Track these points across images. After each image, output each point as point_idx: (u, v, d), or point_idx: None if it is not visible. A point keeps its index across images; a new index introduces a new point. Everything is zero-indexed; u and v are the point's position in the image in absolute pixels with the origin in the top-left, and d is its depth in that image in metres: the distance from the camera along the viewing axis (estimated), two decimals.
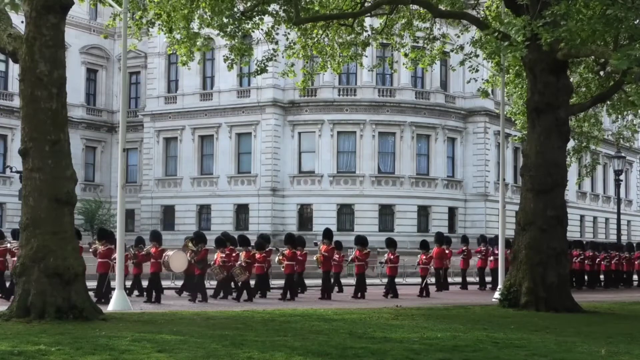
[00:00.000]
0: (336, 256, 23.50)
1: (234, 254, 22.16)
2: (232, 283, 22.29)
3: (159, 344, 10.74)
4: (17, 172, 36.17)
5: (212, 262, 22.15)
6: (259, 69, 22.55)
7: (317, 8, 22.49)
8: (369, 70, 38.19)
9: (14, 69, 45.44)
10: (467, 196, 50.85)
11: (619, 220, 42.45)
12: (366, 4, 22.93)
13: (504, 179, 24.80)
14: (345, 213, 48.67)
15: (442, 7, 21.91)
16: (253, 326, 13.56)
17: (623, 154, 44.00)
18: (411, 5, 22.79)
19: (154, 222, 51.47)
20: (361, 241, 23.94)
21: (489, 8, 24.30)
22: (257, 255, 22.13)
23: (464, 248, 29.10)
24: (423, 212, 49.43)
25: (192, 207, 51.21)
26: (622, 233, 48.30)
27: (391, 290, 23.67)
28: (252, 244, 22.82)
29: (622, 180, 45.95)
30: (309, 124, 49.09)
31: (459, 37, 28.61)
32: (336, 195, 48.17)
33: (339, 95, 49.04)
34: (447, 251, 27.49)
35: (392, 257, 23.94)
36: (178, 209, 51.73)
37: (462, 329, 13.60)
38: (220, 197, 50.12)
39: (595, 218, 63.05)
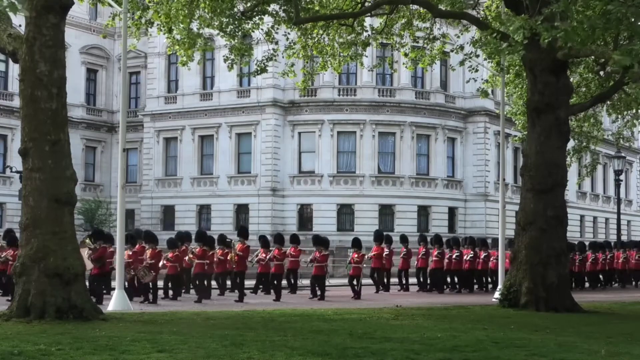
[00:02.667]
0: (263, 255, 22.59)
1: (150, 252, 21.05)
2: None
3: (159, 344, 10.73)
4: (17, 172, 36.15)
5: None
6: (259, 69, 22.57)
7: (317, 8, 22.50)
8: (369, 70, 38.24)
9: (14, 69, 45.44)
10: (467, 196, 50.84)
11: (619, 220, 42.43)
12: (366, 4, 22.92)
13: (504, 179, 24.78)
14: (345, 213, 48.66)
15: (442, 7, 21.91)
16: (253, 326, 13.56)
17: (623, 154, 43.98)
18: (411, 5, 22.79)
19: (154, 222, 51.50)
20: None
21: (489, 8, 24.32)
22: (170, 254, 21.41)
23: (404, 248, 27.52)
24: (423, 212, 49.42)
25: (192, 207, 51.21)
26: (622, 233, 48.25)
27: (312, 289, 22.67)
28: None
29: (622, 180, 45.91)
30: (309, 124, 49.08)
31: (459, 37, 28.62)
32: (336, 195, 48.16)
33: (339, 95, 49.02)
34: (387, 251, 26.37)
35: (318, 256, 22.63)
36: (178, 209, 51.73)
37: (462, 329, 13.59)
38: (220, 197, 50.12)
39: (595, 218, 63.03)
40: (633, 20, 15.53)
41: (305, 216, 49.00)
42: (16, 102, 38.83)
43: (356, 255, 23.67)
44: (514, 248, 20.09)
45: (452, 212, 50.62)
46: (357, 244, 24.11)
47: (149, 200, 52.83)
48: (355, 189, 48.39)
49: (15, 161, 42.89)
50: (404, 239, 27.90)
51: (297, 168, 49.34)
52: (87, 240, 20.49)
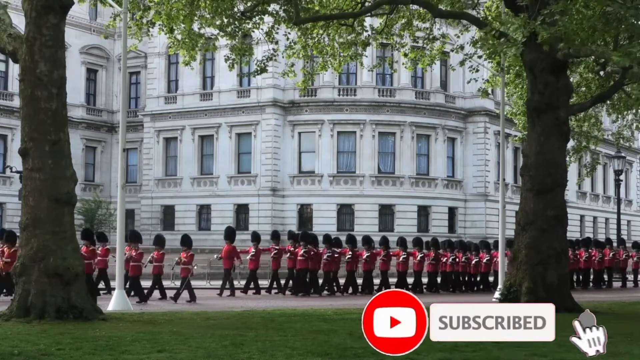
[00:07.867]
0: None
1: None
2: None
3: (159, 344, 10.73)
4: (17, 172, 36.16)
5: None
6: (259, 69, 22.55)
7: (317, 8, 22.50)
8: (369, 70, 38.21)
9: (14, 69, 45.42)
10: (467, 196, 50.84)
11: (619, 220, 42.50)
12: (366, 4, 22.92)
13: (504, 179, 24.78)
14: (345, 213, 48.65)
15: (442, 7, 21.88)
16: (253, 326, 13.56)
17: (623, 154, 44.05)
18: (411, 5, 22.78)
19: (154, 222, 51.52)
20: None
21: (489, 8, 24.31)
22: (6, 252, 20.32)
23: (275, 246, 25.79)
24: (423, 212, 49.42)
25: (192, 207, 51.21)
26: (622, 233, 48.28)
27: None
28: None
29: (622, 180, 46.00)
30: (309, 124, 49.08)
31: (459, 37, 28.61)
32: (336, 195, 48.16)
33: (339, 95, 49.03)
34: (253, 250, 25.01)
35: (156, 255, 21.28)
36: (178, 209, 51.73)
37: None
38: (220, 197, 50.12)
39: (595, 218, 63.01)
40: (633, 20, 15.53)
41: (305, 216, 48.99)
42: (16, 102, 38.80)
43: (184, 255, 21.76)
44: (514, 248, 20.07)
45: (452, 212, 50.62)
46: (186, 242, 22.30)
47: (149, 200, 52.82)
48: (355, 189, 48.39)
49: (15, 161, 42.87)
50: (275, 235, 26.54)
51: (297, 168, 49.34)
52: None
